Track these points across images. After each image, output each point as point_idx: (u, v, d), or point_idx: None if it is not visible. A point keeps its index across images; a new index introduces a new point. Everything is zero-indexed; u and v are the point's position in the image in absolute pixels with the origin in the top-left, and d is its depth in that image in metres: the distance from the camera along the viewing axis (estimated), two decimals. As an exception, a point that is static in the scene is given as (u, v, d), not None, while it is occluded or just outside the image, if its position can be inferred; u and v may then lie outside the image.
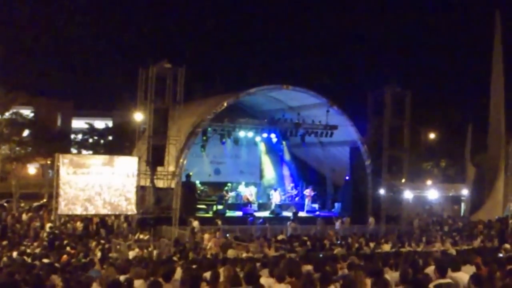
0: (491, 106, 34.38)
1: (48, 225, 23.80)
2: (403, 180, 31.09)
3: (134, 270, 9.83)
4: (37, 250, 18.40)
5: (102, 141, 47.82)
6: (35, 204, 32.71)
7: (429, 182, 37.99)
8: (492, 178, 33.73)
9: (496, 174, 32.97)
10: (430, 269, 8.90)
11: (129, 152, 29.25)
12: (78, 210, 23.77)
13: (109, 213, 24.93)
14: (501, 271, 8.89)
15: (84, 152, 44.53)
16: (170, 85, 25.03)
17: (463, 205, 35.89)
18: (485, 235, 22.91)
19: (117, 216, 25.80)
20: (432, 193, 34.89)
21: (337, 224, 27.60)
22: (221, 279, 8.40)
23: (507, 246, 16.96)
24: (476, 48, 45.62)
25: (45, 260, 15.08)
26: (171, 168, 25.45)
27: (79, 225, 25.17)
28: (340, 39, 60.06)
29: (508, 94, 33.78)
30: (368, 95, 31.36)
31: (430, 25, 57.66)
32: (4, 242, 20.24)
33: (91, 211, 24.09)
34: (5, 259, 15.89)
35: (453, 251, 15.89)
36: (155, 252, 18.78)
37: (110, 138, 47.53)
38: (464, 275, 8.30)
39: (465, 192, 34.97)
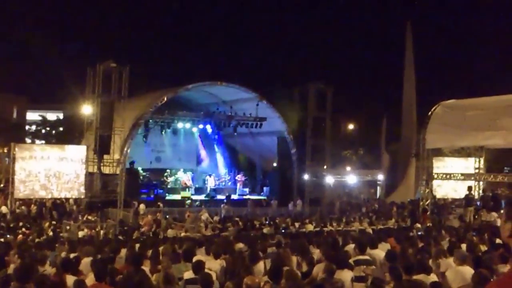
0: (404, 100, 35.63)
1: (3, 208, 24.09)
2: (325, 167, 32.67)
3: (83, 249, 9.79)
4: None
5: (54, 132, 48.13)
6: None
7: (348, 168, 38.94)
8: (404, 164, 35.23)
9: (408, 161, 34.44)
10: (350, 247, 9.43)
11: (78, 142, 29.62)
12: (33, 194, 24.17)
13: (60, 196, 25.21)
14: (413, 248, 9.27)
15: (37, 142, 44.56)
16: (116, 82, 25.84)
17: (378, 189, 37.01)
18: (398, 215, 23.47)
19: (67, 200, 26.03)
20: (351, 178, 35.73)
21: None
22: (161, 256, 8.71)
23: (418, 225, 17.72)
24: (390, 48, 48.03)
25: (2, 240, 15.50)
26: (116, 156, 26.26)
27: (33, 208, 25.45)
28: (271, 39, 62.27)
29: (419, 89, 35.25)
30: (294, 90, 32.75)
31: (351, 27, 60.28)
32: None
33: (44, 195, 24.42)
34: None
35: (370, 230, 16.12)
36: (102, 232, 19.33)
37: (61, 129, 47.77)
38: (380, 252, 8.66)
39: (380, 177, 36.08)
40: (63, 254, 10.04)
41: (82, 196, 25.14)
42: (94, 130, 26.18)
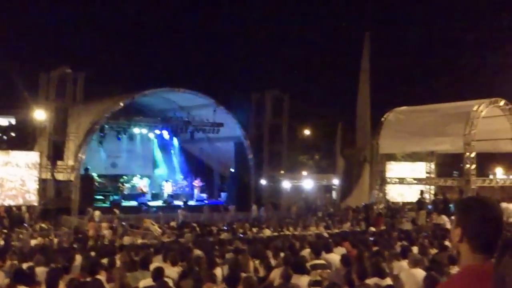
0: (358, 107, 35.87)
1: None
2: (282, 172, 33.06)
3: (36, 258, 9.47)
4: None
5: (5, 137, 46.89)
6: None
7: (304, 173, 38.90)
8: (359, 169, 35.15)
9: (362, 166, 34.28)
10: (306, 251, 9.50)
11: (31, 148, 28.67)
12: None
13: (12, 204, 24.59)
14: (368, 251, 9.37)
15: None
16: (70, 87, 25.52)
17: (334, 193, 36.92)
18: (353, 219, 23.63)
19: (19, 207, 25.01)
20: (308, 183, 35.81)
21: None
22: (118, 265, 8.56)
23: (373, 229, 18.00)
24: (346, 56, 48.87)
25: None
26: (71, 162, 25.86)
27: None
28: (228, 45, 62.49)
29: (373, 96, 35.37)
30: (251, 96, 32.96)
31: (307, 35, 61.04)
32: None
33: None
34: None
35: (326, 234, 16.23)
36: (55, 241, 18.60)
37: (13, 134, 46.61)
38: (336, 256, 8.79)
39: (336, 181, 36.12)
40: (14, 264, 9.77)
41: (35, 204, 24.61)
42: (47, 136, 25.70)
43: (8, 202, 24.13)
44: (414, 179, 23.37)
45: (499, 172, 40.32)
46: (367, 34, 35.62)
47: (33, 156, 24.94)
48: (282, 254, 8.81)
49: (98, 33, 56.47)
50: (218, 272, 7.79)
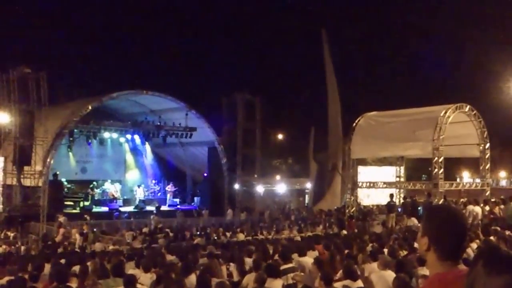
0: (329, 110, 35.55)
1: None
2: (256, 176, 33.26)
3: (2, 268, 9.53)
4: None
5: None
6: None
7: (278, 177, 39.12)
8: (331, 173, 34.84)
9: (334, 170, 33.63)
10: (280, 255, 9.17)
11: (-6, 152, 28.15)
12: None
13: None
14: (340, 254, 9.36)
15: None
16: (33, 88, 24.80)
17: (307, 197, 37.00)
18: (326, 222, 23.43)
19: None
20: (281, 187, 36.13)
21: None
22: (89, 272, 8.31)
23: (345, 232, 18.26)
24: (314, 59, 49.23)
25: None
26: (38, 167, 25.32)
27: None
28: (197, 48, 62.21)
29: (344, 99, 35.42)
30: (222, 100, 32.86)
31: (275, 35, 61.21)
32: None
33: None
34: None
35: (299, 238, 16.29)
36: (23, 248, 18.32)
37: None
38: (309, 259, 8.71)
39: (308, 185, 36.21)
40: None
41: (-1, 210, 23.82)
42: (12, 140, 24.97)
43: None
44: (384, 183, 23.73)
45: (466, 176, 41.36)
46: (324, 31, 35.45)
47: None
48: (255, 258, 8.74)
49: (61, 32, 55.45)
50: (193, 278, 7.59)
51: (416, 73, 49.04)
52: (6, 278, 8.14)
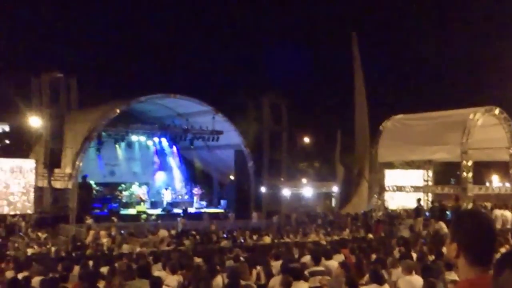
0: (356, 113, 35.90)
1: None
2: (282, 179, 33.03)
3: (33, 268, 9.51)
4: None
5: None
6: None
7: (304, 181, 38.61)
8: (357, 178, 35.62)
9: (361, 174, 34.66)
10: (306, 258, 9.58)
11: (26, 155, 28.85)
12: None
13: (7, 212, 24.41)
14: (366, 258, 9.52)
15: None
16: (64, 93, 25.40)
17: (333, 200, 37.15)
18: (353, 226, 23.63)
19: (14, 215, 25.02)
20: (307, 190, 35.66)
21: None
22: (116, 273, 8.31)
23: (371, 236, 18.21)
24: (342, 63, 48.93)
25: None
26: (68, 170, 25.65)
27: None
28: (223, 51, 62.66)
29: (371, 102, 35.71)
30: (249, 103, 33.32)
31: (304, 39, 61.07)
32: None
33: None
34: None
35: (325, 241, 16.37)
36: (53, 249, 18.08)
37: (7, 142, 46.49)
38: (335, 263, 8.81)
39: (335, 189, 36.19)
40: (10, 274, 9.70)
41: (31, 212, 24.51)
42: (43, 143, 25.50)
43: (3, 210, 23.92)
44: (412, 186, 23.46)
45: (495, 180, 40.51)
46: (354, 34, 35.46)
47: (29, 164, 24.86)
48: (281, 262, 8.78)
49: (91, 38, 56.50)
50: (219, 280, 7.76)
51: (444, 75, 48.42)
52: (38, 278, 8.26)
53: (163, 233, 20.58)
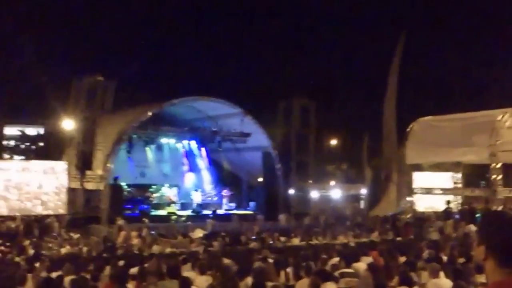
0: (384, 117, 35.20)
1: None
2: (310, 181, 33.26)
3: (66, 267, 9.62)
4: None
5: (33, 147, 47.86)
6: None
7: (332, 183, 39.22)
8: (386, 179, 34.52)
9: (389, 176, 34.09)
10: (334, 260, 9.61)
11: (59, 157, 29.26)
12: (11, 211, 23.70)
13: (41, 213, 24.67)
14: (395, 261, 9.47)
15: (16, 157, 44.19)
16: (100, 96, 25.85)
17: (362, 203, 36.96)
18: (381, 228, 23.29)
19: (48, 216, 25.04)
20: (335, 192, 36.16)
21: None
22: (147, 274, 8.41)
23: (399, 238, 18.43)
24: (372, 66, 48.62)
25: None
26: (99, 172, 26.00)
27: (12, 225, 24.30)
28: (255, 54, 62.86)
29: (399, 104, 34.59)
30: (278, 105, 33.17)
31: (333, 44, 60.87)
32: None
33: (24, 212, 23.97)
34: None
35: (353, 243, 16.43)
36: (85, 250, 18.49)
37: (41, 144, 47.44)
38: (362, 265, 8.88)
39: (363, 191, 36.32)
40: (44, 273, 9.86)
41: (64, 212, 24.75)
42: (75, 146, 25.97)
43: (37, 211, 24.30)
44: (442, 189, 23.21)
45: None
46: (404, 34, 34.74)
47: (61, 166, 25.25)
48: (309, 263, 8.82)
49: (126, 41, 57.42)
50: (248, 281, 7.81)
51: (472, 76, 47.60)
52: (70, 277, 8.42)
53: (198, 232, 20.88)
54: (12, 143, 49.81)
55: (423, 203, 26.61)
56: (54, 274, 8.93)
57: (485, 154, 18.95)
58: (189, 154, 34.39)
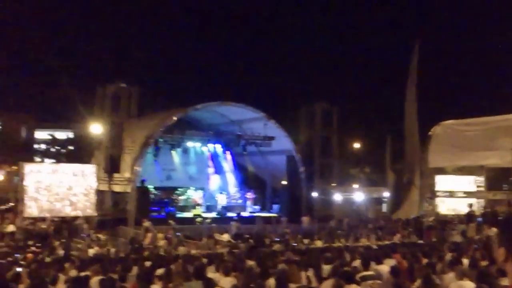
0: (406, 119, 35.10)
1: (10, 226, 23.61)
2: (333, 184, 33.45)
3: (93, 267, 9.78)
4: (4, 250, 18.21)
5: (63, 151, 48.74)
6: (2, 207, 31.09)
7: (355, 186, 39.24)
8: (408, 182, 34.30)
9: (412, 179, 33.59)
10: (357, 262, 9.60)
11: (88, 161, 29.88)
12: (42, 213, 24.05)
13: (70, 215, 24.97)
14: (418, 263, 9.40)
15: (46, 160, 44.97)
16: (125, 102, 26.54)
17: (384, 206, 37.11)
18: (404, 231, 23.45)
19: (77, 218, 25.27)
20: (358, 195, 36.41)
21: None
22: (173, 274, 8.58)
23: (422, 241, 18.48)
24: (392, 71, 48.49)
25: (10, 259, 15.06)
26: (127, 175, 26.56)
27: (43, 226, 24.56)
28: (278, 59, 63.23)
29: (421, 108, 34.44)
30: (301, 109, 33.39)
31: (356, 47, 60.88)
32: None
33: (54, 213, 24.37)
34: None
35: (376, 246, 16.35)
36: (112, 250, 19.06)
37: (71, 148, 48.38)
38: (385, 267, 8.84)
39: (386, 194, 36.45)
40: (73, 273, 10.12)
41: (93, 214, 25.24)
42: (104, 150, 26.60)
43: (67, 212, 24.81)
44: (465, 192, 23.21)
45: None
46: (418, 41, 34.87)
47: (90, 169, 25.69)
48: (333, 265, 8.92)
49: (150, 49, 58.34)
50: (271, 282, 7.86)
51: (494, 79, 47.15)
52: (98, 277, 8.66)
53: (225, 236, 21.09)
54: (43, 146, 51.03)
55: (446, 206, 26.69)
56: (82, 274, 9.21)
57: (508, 157, 18.97)
58: (215, 157, 34.69)
